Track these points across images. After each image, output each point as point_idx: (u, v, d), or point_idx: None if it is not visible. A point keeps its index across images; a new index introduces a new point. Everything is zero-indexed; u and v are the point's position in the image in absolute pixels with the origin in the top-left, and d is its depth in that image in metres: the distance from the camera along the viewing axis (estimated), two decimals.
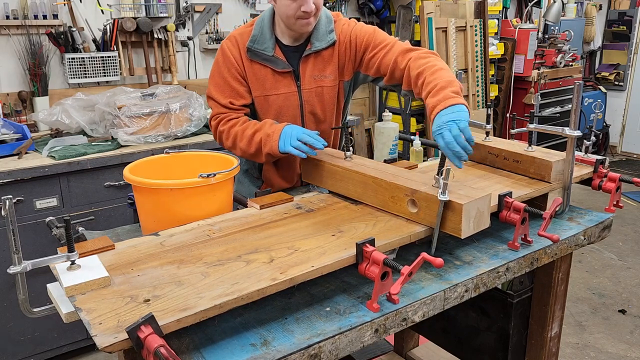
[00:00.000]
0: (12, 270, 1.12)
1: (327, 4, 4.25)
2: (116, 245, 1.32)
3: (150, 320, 0.96)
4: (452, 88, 1.51)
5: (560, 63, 5.43)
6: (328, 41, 1.82)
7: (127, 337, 0.95)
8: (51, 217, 1.59)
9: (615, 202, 1.83)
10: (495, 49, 4.93)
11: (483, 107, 4.82)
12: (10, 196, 1.11)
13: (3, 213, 1.07)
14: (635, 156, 6.56)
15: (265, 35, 1.81)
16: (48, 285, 1.21)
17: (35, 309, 1.24)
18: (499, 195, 1.55)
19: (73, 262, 1.18)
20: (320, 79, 1.86)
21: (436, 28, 4.35)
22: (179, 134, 2.87)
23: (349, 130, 1.95)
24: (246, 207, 1.64)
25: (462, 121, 1.41)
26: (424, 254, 1.21)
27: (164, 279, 1.16)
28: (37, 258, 1.16)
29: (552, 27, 5.57)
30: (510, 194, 1.56)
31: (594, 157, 1.93)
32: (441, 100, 1.48)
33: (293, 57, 1.84)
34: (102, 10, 3.30)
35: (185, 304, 1.06)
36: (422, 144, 2.34)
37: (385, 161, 1.98)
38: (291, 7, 1.69)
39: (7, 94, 3.06)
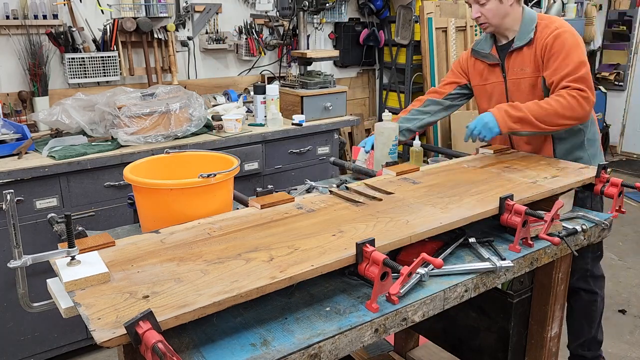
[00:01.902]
0: (12, 264, 1.13)
1: (328, 4, 4.25)
2: (116, 242, 1.33)
3: (148, 316, 0.97)
4: (517, 112, 1.99)
5: None
6: (526, 39, 2.11)
7: (126, 332, 0.95)
8: (52, 214, 1.59)
9: (617, 207, 1.83)
10: None
11: None
12: (12, 190, 1.12)
13: (4, 207, 1.07)
14: (635, 156, 6.56)
15: (486, 38, 2.27)
16: (48, 280, 1.21)
17: (35, 304, 1.25)
18: (500, 197, 1.55)
19: (73, 258, 1.18)
20: (519, 72, 2.16)
21: (436, 28, 4.35)
22: (179, 134, 2.87)
23: None
24: (247, 206, 1.64)
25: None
26: (424, 254, 1.21)
27: (163, 276, 1.16)
28: None
29: None
30: (511, 197, 1.56)
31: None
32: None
33: (503, 53, 2.20)
34: (102, 10, 3.30)
35: (184, 300, 1.06)
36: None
37: (387, 164, 1.99)
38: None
39: (7, 94, 3.06)
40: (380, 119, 4.68)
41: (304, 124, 3.31)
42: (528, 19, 2.13)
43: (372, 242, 1.24)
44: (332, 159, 2.28)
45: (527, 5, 5.55)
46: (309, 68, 3.63)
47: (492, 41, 2.25)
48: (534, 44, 2.10)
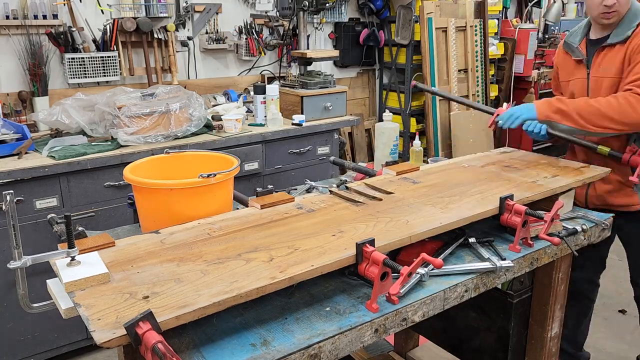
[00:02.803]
0: (12, 265, 1.13)
1: (328, 4, 4.25)
2: (116, 243, 1.33)
3: (148, 316, 0.97)
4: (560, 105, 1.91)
5: None
6: (622, 36, 1.92)
7: (126, 332, 0.95)
8: (52, 214, 1.59)
9: None
10: (495, 49, 4.93)
11: None
12: (12, 191, 1.12)
13: (4, 208, 1.07)
14: None
15: (579, 30, 2.10)
16: (48, 280, 1.21)
17: (35, 305, 1.25)
18: (500, 197, 1.55)
19: (73, 258, 1.18)
20: (604, 70, 1.98)
21: (436, 28, 4.35)
22: (179, 134, 2.87)
23: None
24: (247, 206, 1.64)
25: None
26: (424, 254, 1.21)
27: (163, 276, 1.16)
28: None
29: (552, 27, 5.57)
30: (511, 197, 1.56)
31: None
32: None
33: (593, 48, 2.03)
34: (102, 10, 3.30)
35: (184, 301, 1.06)
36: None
37: (387, 163, 1.99)
38: (594, 1, 1.92)
39: (7, 94, 3.06)
40: (380, 119, 4.68)
41: (304, 124, 3.31)
42: (633, 14, 1.93)
43: (372, 242, 1.24)
44: (332, 158, 2.28)
45: (528, 5, 5.58)
46: (309, 68, 3.63)
47: (584, 33, 2.07)
48: (629, 44, 1.90)
